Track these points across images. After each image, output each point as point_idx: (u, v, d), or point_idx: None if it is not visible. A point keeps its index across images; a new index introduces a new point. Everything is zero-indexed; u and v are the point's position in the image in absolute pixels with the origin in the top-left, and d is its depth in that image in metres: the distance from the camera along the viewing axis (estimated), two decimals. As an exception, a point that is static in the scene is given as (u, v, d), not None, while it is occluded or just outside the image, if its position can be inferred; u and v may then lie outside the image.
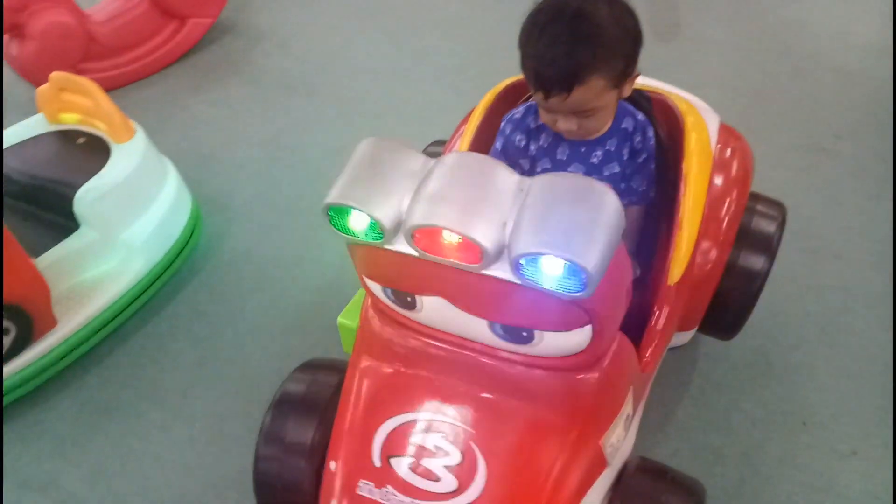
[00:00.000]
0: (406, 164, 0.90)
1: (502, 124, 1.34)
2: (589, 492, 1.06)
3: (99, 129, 1.96)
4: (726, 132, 1.55)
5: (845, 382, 1.65)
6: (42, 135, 1.99)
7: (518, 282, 0.85)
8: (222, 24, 3.15)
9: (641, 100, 1.41)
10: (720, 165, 1.45)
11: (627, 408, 1.12)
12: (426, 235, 0.85)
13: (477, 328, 0.98)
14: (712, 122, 1.52)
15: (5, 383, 1.67)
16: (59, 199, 1.81)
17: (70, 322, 1.76)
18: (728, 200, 1.44)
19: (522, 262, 0.83)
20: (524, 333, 0.95)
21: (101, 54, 2.85)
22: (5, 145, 1.96)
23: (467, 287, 0.91)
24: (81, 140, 1.96)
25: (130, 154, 1.89)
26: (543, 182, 0.86)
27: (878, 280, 1.87)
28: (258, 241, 2.14)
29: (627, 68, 1.18)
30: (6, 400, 1.70)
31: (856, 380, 1.66)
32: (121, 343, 1.89)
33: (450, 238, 0.84)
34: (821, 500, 1.46)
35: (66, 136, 1.98)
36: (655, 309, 1.33)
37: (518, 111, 1.33)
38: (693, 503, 1.13)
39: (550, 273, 0.82)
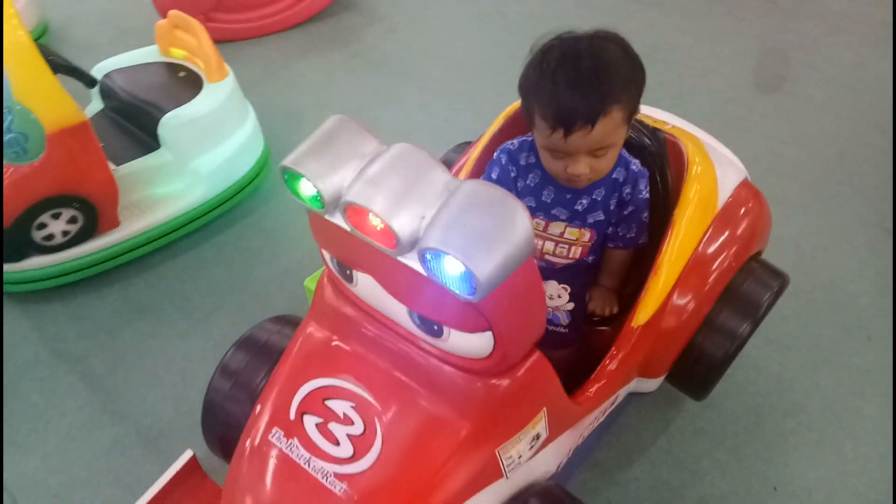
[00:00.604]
0: (360, 146, 0.94)
1: (497, 154, 1.36)
2: (477, 496, 1.09)
3: (198, 66, 2.19)
4: (747, 190, 1.51)
5: (834, 461, 1.58)
6: (152, 63, 2.25)
7: (423, 273, 0.89)
8: (343, 1, 3.37)
9: (654, 139, 1.41)
10: (725, 220, 1.42)
11: (538, 428, 1.13)
12: (356, 213, 0.90)
13: (400, 313, 1.03)
14: (732, 178, 1.49)
15: (69, 264, 1.91)
16: (149, 120, 2.04)
17: (130, 227, 1.98)
18: (722, 256, 1.40)
19: (428, 255, 0.85)
20: (435, 327, 0.99)
21: (232, 8, 3.13)
22: (123, 65, 2.22)
23: (390, 270, 0.95)
24: (182, 73, 2.20)
25: (217, 93, 2.10)
26: (468, 187, 0.88)
27: (908, 372, 1.77)
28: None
29: (637, 103, 1.22)
30: (67, 280, 1.95)
31: (849, 463, 1.58)
32: (170, 257, 2.10)
33: (374, 221, 0.89)
34: (767, 566, 1.42)
35: (170, 68, 2.22)
36: (613, 349, 1.33)
37: (513, 143, 1.35)
38: None
39: (450, 272, 0.85)
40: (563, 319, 1.37)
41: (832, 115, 2.64)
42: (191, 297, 1.99)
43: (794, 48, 3.02)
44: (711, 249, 1.39)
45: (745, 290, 1.42)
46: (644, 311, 1.31)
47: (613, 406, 1.44)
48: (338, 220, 0.94)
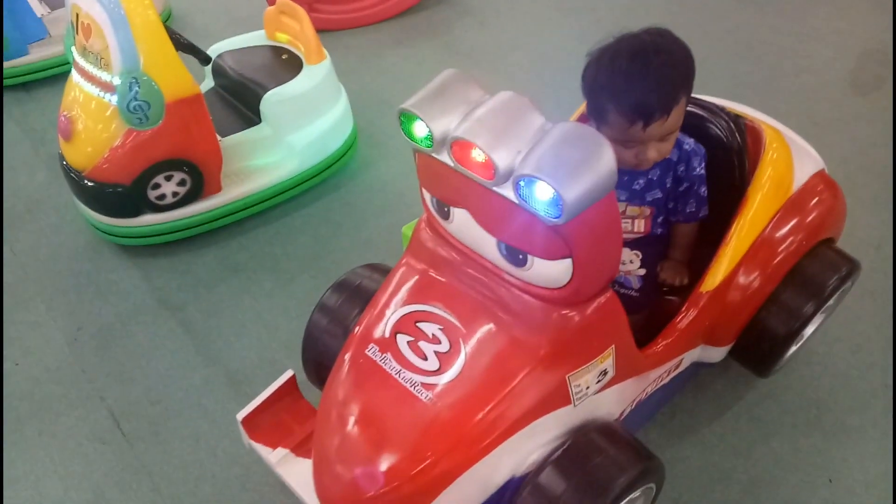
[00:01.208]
0: (468, 94, 1.08)
1: None
2: (545, 418, 1.18)
3: (299, 50, 2.37)
4: (822, 181, 1.54)
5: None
6: (258, 46, 2.45)
7: (517, 202, 1.01)
8: (438, -5, 3.51)
9: (736, 124, 1.47)
10: (796, 204, 1.47)
11: (605, 364, 1.21)
12: (461, 149, 1.04)
13: (488, 246, 1.15)
14: (808, 167, 1.53)
15: (176, 223, 2.13)
16: (252, 97, 2.23)
17: (230, 193, 2.19)
18: (791, 239, 1.45)
19: (522, 183, 0.98)
20: (520, 256, 1.10)
21: (335, 0, 3.33)
22: (233, 48, 2.44)
23: (485, 203, 1.09)
24: (284, 56, 2.39)
25: (315, 75, 2.27)
26: (561, 127, 1.01)
27: None
28: (396, 177, 2.44)
29: (692, 89, 1.31)
30: (173, 237, 2.17)
31: (911, 464, 1.55)
32: (263, 223, 2.29)
33: (477, 155, 1.02)
34: (814, 553, 1.43)
35: (275, 51, 2.42)
36: (682, 309, 1.40)
37: None
38: (640, 470, 1.20)
39: (541, 197, 0.97)
40: (635, 283, 1.46)
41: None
42: (279, 260, 2.17)
43: (899, 50, 2.90)
44: (781, 230, 1.44)
45: (811, 272, 1.47)
46: (713, 278, 1.39)
47: (678, 370, 1.49)
48: (443, 157, 1.08)
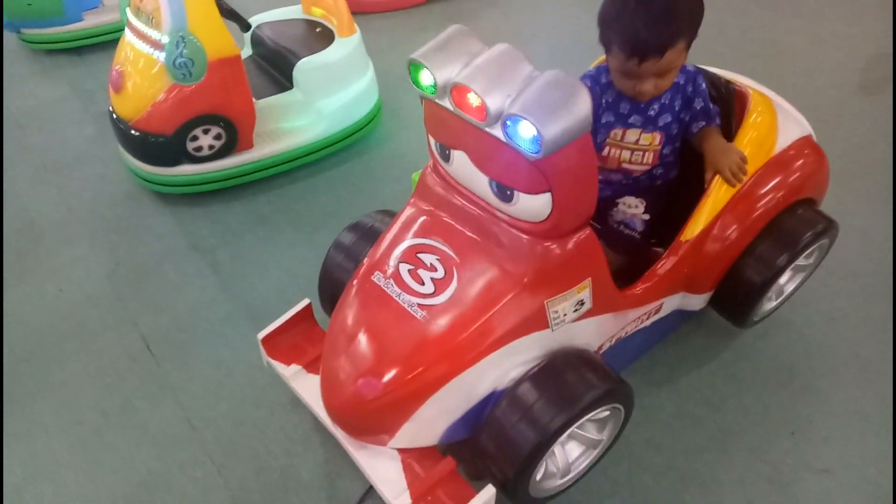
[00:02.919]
0: (469, 47, 1.23)
1: (581, 79, 1.59)
2: (525, 339, 1.33)
3: (332, 24, 2.55)
4: (808, 145, 1.65)
5: (855, 420, 1.67)
6: (295, 19, 2.64)
7: (504, 140, 1.16)
8: (467, -15, 3.67)
9: (726, 88, 1.60)
10: (778, 164, 1.58)
11: (582, 294, 1.35)
12: (459, 94, 1.18)
13: (482, 184, 1.29)
14: (794, 131, 1.64)
15: (210, 175, 2.32)
16: (286, 64, 2.41)
17: (261, 151, 2.37)
18: (771, 196, 1.57)
19: (508, 122, 1.13)
20: (508, 192, 1.24)
21: (372, -17, 3.52)
22: (271, 20, 2.62)
23: (479, 144, 1.23)
24: (318, 29, 2.57)
25: (345, 47, 2.45)
26: (545, 75, 1.14)
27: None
28: (415, 149, 2.60)
29: (697, 30, 1.44)
30: (207, 188, 2.36)
31: (869, 423, 1.66)
32: (290, 181, 2.47)
33: (473, 99, 1.17)
34: (771, 493, 1.55)
35: (309, 24, 2.60)
36: (663, 256, 1.53)
37: (592, 71, 1.60)
38: (606, 389, 1.33)
39: (524, 135, 1.11)
40: (639, 226, 1.60)
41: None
42: (302, 215, 2.35)
43: (910, 55, 2.99)
44: (761, 186, 1.56)
45: (787, 227, 1.59)
46: (693, 228, 1.52)
47: (658, 315, 1.62)
48: (445, 102, 1.23)
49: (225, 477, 1.64)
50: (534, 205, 1.23)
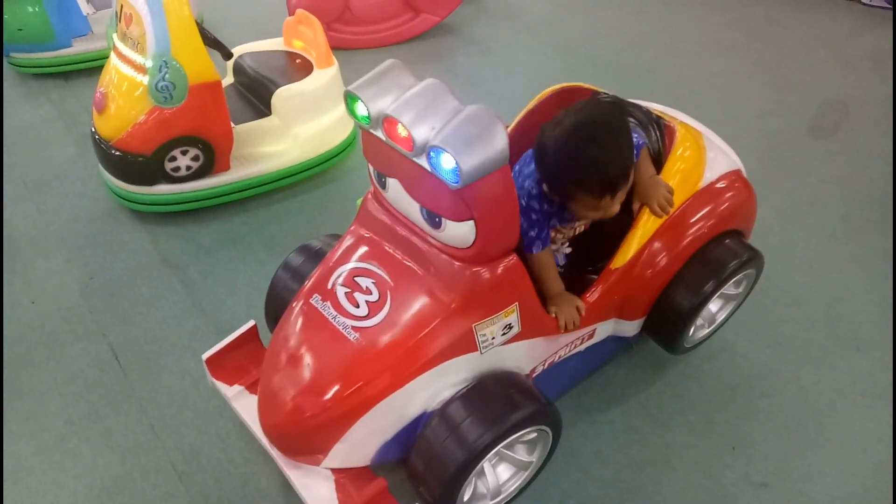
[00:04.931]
0: (402, 81, 1.28)
1: (528, 210, 1.50)
2: (454, 360, 1.38)
3: (312, 56, 2.67)
4: (737, 178, 1.74)
5: (795, 438, 1.75)
6: (276, 51, 2.75)
7: (429, 170, 1.21)
8: (446, 25, 3.84)
9: (657, 125, 1.71)
10: (705, 195, 1.66)
11: (510, 318, 1.41)
12: (390, 125, 1.24)
13: (414, 211, 1.36)
14: (722, 165, 1.73)
15: (187, 195, 2.39)
16: (266, 92, 2.52)
17: (237, 174, 2.45)
18: (700, 225, 1.64)
19: (432, 154, 1.19)
20: (436, 219, 1.31)
21: (351, 21, 3.67)
22: (256, 50, 2.74)
23: (410, 173, 1.30)
24: (298, 60, 2.68)
25: (322, 78, 2.56)
26: (468, 110, 1.20)
27: (883, 379, 1.90)
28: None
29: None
30: (182, 207, 2.43)
31: (809, 443, 1.74)
32: (265, 203, 2.56)
33: (401, 131, 1.22)
34: (711, 506, 1.62)
35: (290, 56, 2.72)
36: (593, 284, 1.61)
37: (535, 209, 1.51)
38: (533, 410, 1.38)
39: (446, 166, 1.16)
40: (561, 260, 1.67)
41: (883, 164, 2.77)
42: (274, 236, 2.43)
43: (860, 103, 3.17)
44: (689, 216, 1.63)
45: (714, 255, 1.66)
46: (622, 256, 1.59)
47: (592, 340, 1.69)
48: (378, 132, 1.30)
49: (186, 484, 1.67)
50: (459, 231, 1.29)
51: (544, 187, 1.49)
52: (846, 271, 2.26)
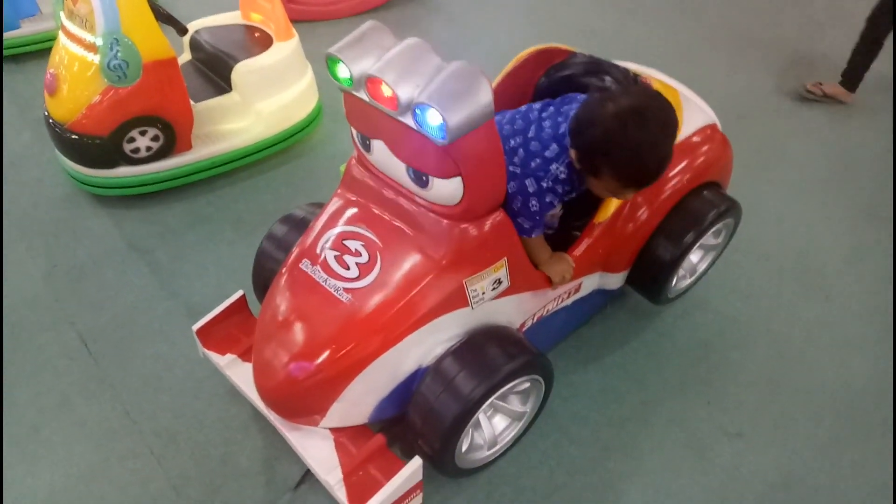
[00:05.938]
0: (382, 41, 1.28)
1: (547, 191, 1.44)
2: (446, 316, 1.39)
3: (270, 29, 2.60)
4: (713, 133, 1.77)
5: (765, 387, 1.79)
6: (234, 24, 2.68)
7: (415, 128, 1.21)
8: (409, -7, 3.77)
9: (634, 83, 1.69)
10: (682, 150, 1.68)
11: (499, 274, 1.43)
12: (373, 85, 1.23)
13: (400, 171, 1.35)
14: (698, 119, 1.75)
15: (149, 177, 2.34)
16: (225, 68, 2.45)
17: (200, 153, 2.40)
18: (678, 179, 1.67)
19: (417, 111, 1.18)
20: (423, 178, 1.31)
21: (313, -8, 3.58)
22: (213, 25, 2.66)
23: (395, 133, 1.29)
24: (257, 34, 2.61)
25: (283, 51, 2.50)
26: (451, 66, 1.20)
27: (851, 326, 1.94)
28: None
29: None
30: (145, 190, 2.37)
31: (780, 391, 1.78)
32: (230, 182, 2.51)
33: (385, 90, 1.22)
34: (688, 457, 1.64)
35: (248, 29, 2.64)
36: (579, 239, 1.62)
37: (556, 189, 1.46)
38: (525, 361, 1.41)
39: (432, 123, 1.17)
40: (555, 223, 1.67)
41: (845, 116, 2.81)
42: (242, 215, 2.38)
43: (822, 57, 3.19)
44: (668, 171, 1.62)
45: (693, 207, 1.69)
46: (605, 211, 1.61)
47: (578, 294, 1.71)
48: (361, 94, 1.28)
49: (164, 467, 1.66)
50: (447, 189, 1.29)
51: (573, 160, 1.41)
52: (814, 224, 2.29)
